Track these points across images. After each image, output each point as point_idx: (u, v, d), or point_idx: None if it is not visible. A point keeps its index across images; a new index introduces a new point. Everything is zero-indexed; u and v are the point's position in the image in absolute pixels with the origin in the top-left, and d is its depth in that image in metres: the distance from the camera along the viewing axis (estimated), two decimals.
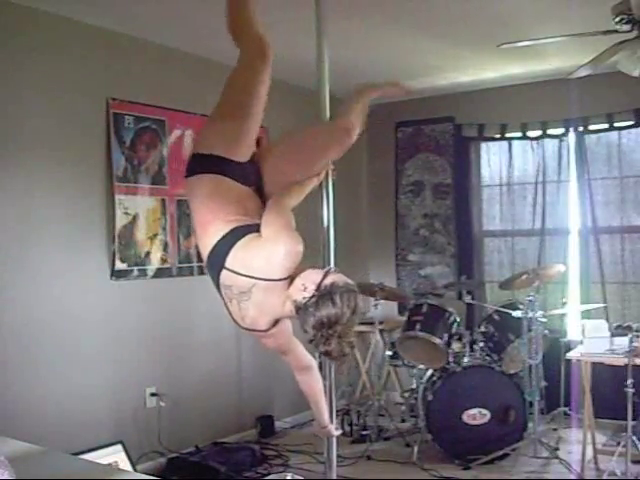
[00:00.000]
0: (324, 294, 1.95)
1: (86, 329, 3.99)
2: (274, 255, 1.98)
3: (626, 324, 4.36)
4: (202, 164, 2.15)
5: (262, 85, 2.18)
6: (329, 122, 2.37)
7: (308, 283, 1.97)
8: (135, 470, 3.94)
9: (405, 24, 4.16)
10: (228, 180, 2.12)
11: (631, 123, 5.21)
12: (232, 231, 2.05)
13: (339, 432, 2.47)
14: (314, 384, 2.33)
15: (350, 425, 5.11)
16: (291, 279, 2.02)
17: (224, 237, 2.05)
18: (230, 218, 2.08)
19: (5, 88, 3.65)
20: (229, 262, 2.04)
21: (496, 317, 4.81)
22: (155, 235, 4.41)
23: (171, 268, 4.51)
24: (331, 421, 2.41)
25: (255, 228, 2.05)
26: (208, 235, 2.10)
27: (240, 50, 2.22)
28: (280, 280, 2.00)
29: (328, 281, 1.97)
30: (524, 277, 4.70)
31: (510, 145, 5.75)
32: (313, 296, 1.95)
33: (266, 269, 1.99)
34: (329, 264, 2.36)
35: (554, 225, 5.55)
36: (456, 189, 6.01)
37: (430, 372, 4.82)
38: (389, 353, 5.10)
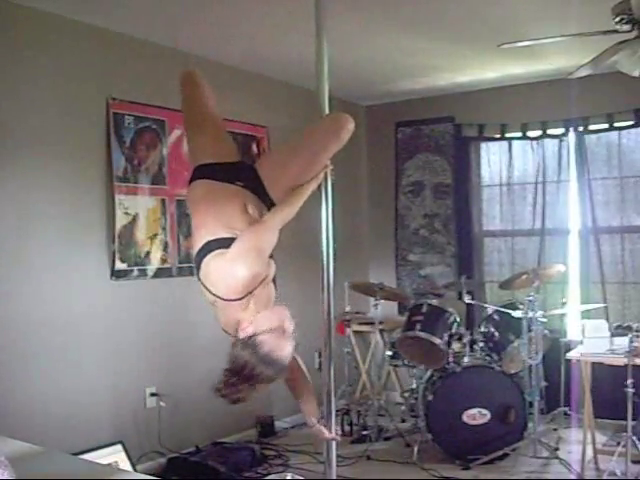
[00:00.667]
0: (247, 345, 1.98)
1: (86, 329, 3.99)
2: (229, 277, 2.02)
3: (626, 324, 4.36)
4: (190, 176, 2.33)
5: (198, 99, 2.47)
6: (323, 117, 2.40)
7: (253, 325, 2.02)
8: (135, 470, 3.94)
9: (405, 24, 4.16)
10: (208, 182, 2.25)
11: (631, 123, 5.21)
12: (206, 244, 2.11)
13: (335, 437, 2.40)
14: (296, 383, 2.40)
15: (350, 425, 5.11)
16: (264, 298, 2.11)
17: (201, 249, 2.13)
18: (209, 229, 2.13)
19: (5, 88, 3.64)
20: (200, 274, 2.12)
21: (496, 317, 4.81)
22: (155, 235, 4.41)
23: (171, 268, 4.51)
24: (328, 424, 2.38)
25: (227, 243, 2.07)
26: (195, 245, 2.19)
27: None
28: (234, 301, 2.04)
29: (263, 338, 1.98)
30: (524, 277, 4.70)
31: (510, 145, 5.75)
32: (242, 339, 2.00)
33: (222, 288, 2.04)
34: (329, 264, 2.37)
35: (554, 225, 5.55)
36: (456, 189, 6.01)
37: (430, 372, 4.82)
38: (389, 353, 5.10)
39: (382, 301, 5.06)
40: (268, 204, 2.26)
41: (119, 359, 4.18)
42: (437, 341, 4.59)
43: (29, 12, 3.73)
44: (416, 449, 4.50)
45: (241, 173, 2.28)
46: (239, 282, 2.00)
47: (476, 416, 4.44)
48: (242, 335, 2.01)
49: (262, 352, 1.97)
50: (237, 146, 2.57)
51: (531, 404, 4.49)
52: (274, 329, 2.01)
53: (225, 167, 2.28)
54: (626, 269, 5.28)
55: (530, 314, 4.43)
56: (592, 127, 5.37)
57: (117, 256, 4.15)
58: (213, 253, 2.07)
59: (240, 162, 2.37)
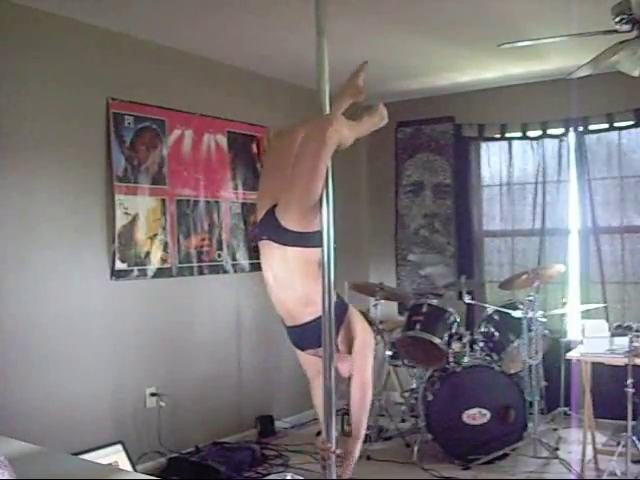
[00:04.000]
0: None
1: (86, 329, 3.99)
2: None
3: (626, 324, 4.35)
4: None
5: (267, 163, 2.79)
6: (310, 126, 2.40)
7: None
8: (135, 470, 3.94)
9: (405, 24, 4.16)
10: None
11: (631, 123, 5.21)
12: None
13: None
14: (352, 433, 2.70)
15: (350, 425, 5.10)
16: None
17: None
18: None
19: (5, 88, 3.64)
20: None
21: (496, 317, 4.80)
22: (155, 235, 4.41)
23: (171, 268, 4.51)
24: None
25: None
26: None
27: None
28: None
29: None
30: (524, 277, 4.70)
31: (510, 145, 5.75)
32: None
33: None
34: (329, 264, 2.36)
35: (554, 225, 5.55)
36: (456, 189, 6.01)
37: (430, 372, 4.82)
38: (389, 353, 5.09)
39: (382, 301, 5.06)
40: (288, 239, 2.34)
41: (119, 359, 4.18)
42: (437, 341, 4.59)
43: (29, 12, 3.73)
44: (416, 449, 4.50)
45: (264, 224, 2.42)
46: None
47: (476, 416, 4.44)
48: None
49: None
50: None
51: (531, 404, 4.49)
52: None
53: (258, 226, 2.46)
54: (626, 269, 5.27)
55: (530, 314, 4.43)
56: (592, 127, 5.37)
57: (117, 256, 4.15)
58: None
59: (269, 210, 2.42)
